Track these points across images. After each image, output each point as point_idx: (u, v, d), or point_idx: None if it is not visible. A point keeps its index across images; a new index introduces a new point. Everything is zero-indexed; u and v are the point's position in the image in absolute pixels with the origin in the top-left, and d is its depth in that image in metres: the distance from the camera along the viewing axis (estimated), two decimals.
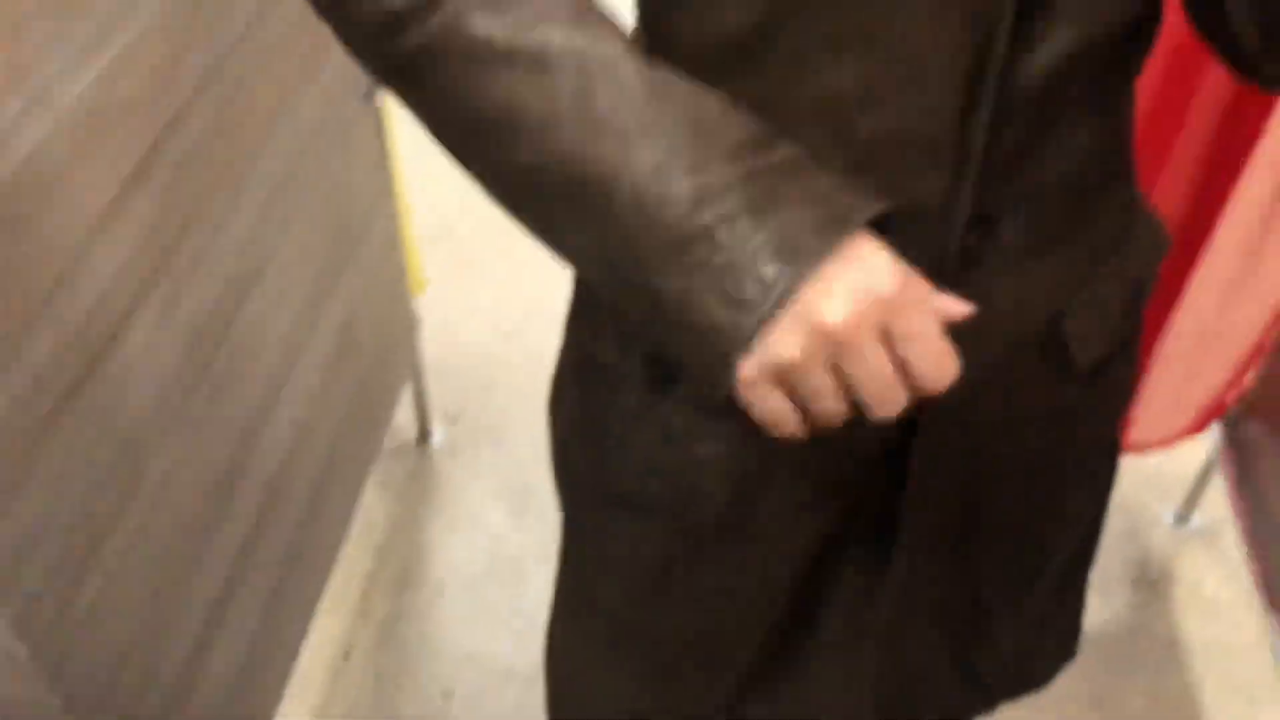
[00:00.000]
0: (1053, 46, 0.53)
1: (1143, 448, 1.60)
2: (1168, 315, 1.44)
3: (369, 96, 1.38)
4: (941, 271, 0.59)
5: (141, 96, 0.87)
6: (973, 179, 0.55)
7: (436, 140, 0.51)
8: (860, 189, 0.49)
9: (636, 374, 0.68)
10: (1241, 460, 1.53)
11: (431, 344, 1.92)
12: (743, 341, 0.46)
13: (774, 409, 0.48)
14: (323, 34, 1.24)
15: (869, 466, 0.70)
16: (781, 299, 0.45)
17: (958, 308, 0.49)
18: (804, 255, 0.46)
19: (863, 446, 0.68)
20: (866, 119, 0.53)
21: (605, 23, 0.48)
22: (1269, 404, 1.48)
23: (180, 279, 0.96)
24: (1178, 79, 1.27)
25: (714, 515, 0.72)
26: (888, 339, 0.47)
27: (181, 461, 0.99)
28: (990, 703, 0.95)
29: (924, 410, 0.66)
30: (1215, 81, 1.26)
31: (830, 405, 0.48)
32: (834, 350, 0.46)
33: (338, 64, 1.28)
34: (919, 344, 0.47)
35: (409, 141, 1.53)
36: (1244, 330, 1.44)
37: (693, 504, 0.72)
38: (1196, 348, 1.47)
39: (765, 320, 0.46)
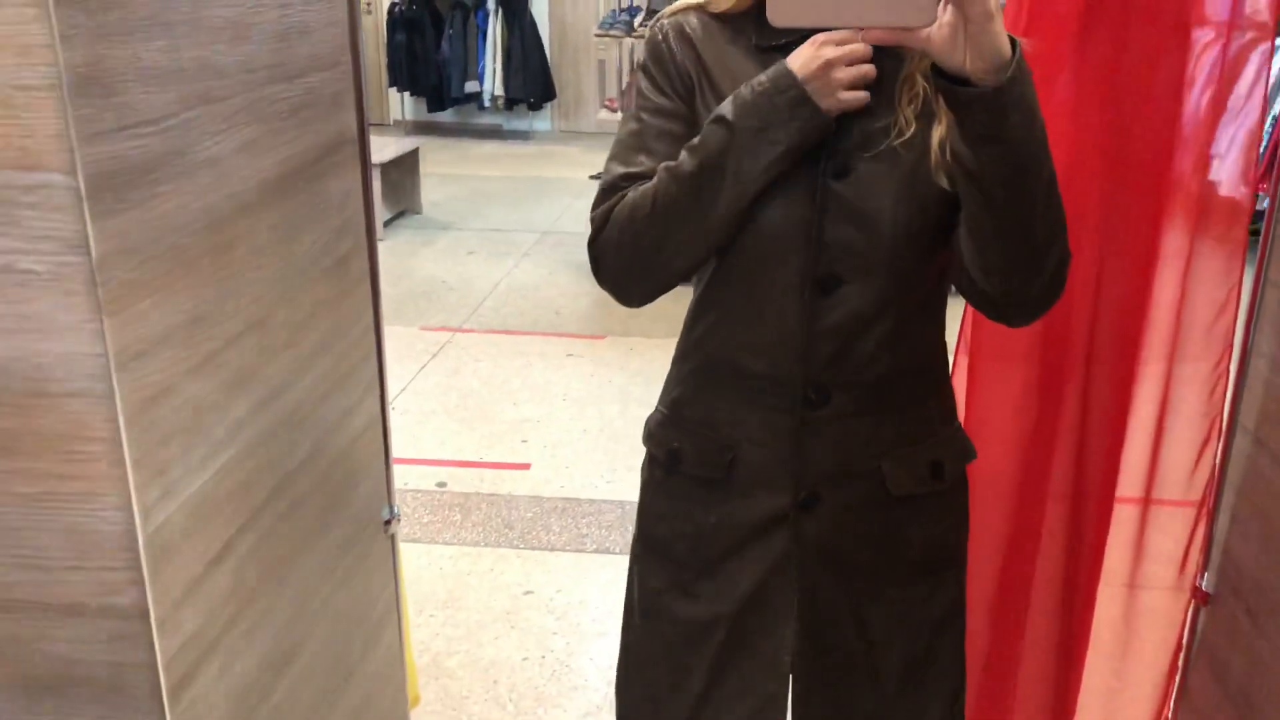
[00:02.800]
0: (840, 309, 1.14)
1: None
2: None
3: (386, 525, 1.71)
4: (793, 410, 1.18)
5: (230, 496, 1.20)
6: (803, 367, 1.16)
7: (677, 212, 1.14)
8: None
9: (660, 461, 1.29)
10: None
11: None
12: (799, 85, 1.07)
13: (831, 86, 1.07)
14: (356, 464, 1.60)
15: (772, 526, 1.21)
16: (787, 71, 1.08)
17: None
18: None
19: (764, 510, 1.21)
20: (758, 333, 1.18)
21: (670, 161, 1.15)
22: None
23: (236, 647, 1.23)
24: None
25: (689, 552, 1.26)
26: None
27: None
28: None
29: (803, 504, 1.20)
30: None
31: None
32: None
33: (363, 494, 1.63)
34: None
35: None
36: None
37: (679, 540, 1.27)
38: None
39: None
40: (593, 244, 1.18)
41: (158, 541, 1.05)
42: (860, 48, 1.07)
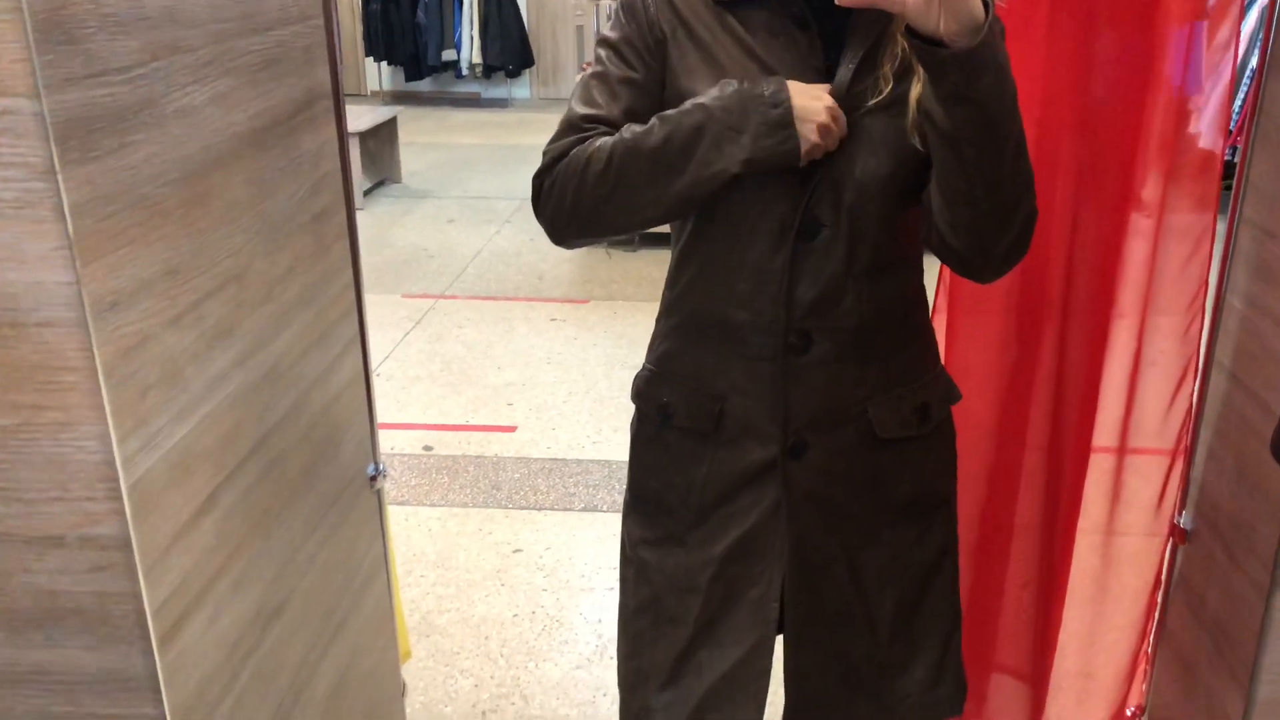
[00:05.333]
0: (820, 256, 1.16)
1: None
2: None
3: (372, 481, 1.72)
4: (775, 358, 1.19)
5: (212, 450, 1.20)
6: (785, 314, 1.17)
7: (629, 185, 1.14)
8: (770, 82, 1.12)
9: (650, 417, 1.29)
10: None
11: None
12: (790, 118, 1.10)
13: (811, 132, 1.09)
14: (340, 421, 1.59)
15: (762, 474, 1.23)
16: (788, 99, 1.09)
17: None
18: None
19: (754, 459, 1.22)
20: (740, 283, 1.19)
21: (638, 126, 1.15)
22: None
23: (223, 598, 1.23)
24: None
25: (680, 502, 1.28)
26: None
27: None
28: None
29: (791, 451, 1.21)
30: None
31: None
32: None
33: (348, 451, 1.63)
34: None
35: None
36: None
37: (670, 491, 1.29)
38: None
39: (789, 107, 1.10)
40: (541, 175, 1.18)
41: (140, 486, 1.06)
42: (842, 129, 1.11)
